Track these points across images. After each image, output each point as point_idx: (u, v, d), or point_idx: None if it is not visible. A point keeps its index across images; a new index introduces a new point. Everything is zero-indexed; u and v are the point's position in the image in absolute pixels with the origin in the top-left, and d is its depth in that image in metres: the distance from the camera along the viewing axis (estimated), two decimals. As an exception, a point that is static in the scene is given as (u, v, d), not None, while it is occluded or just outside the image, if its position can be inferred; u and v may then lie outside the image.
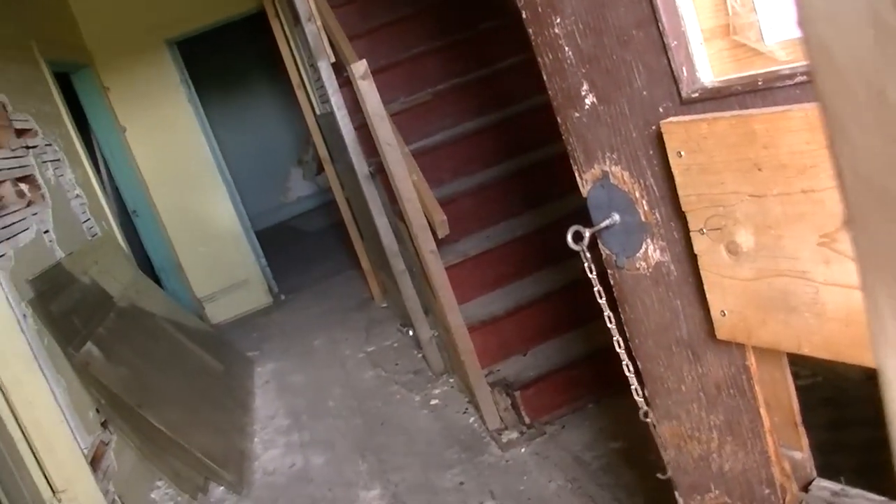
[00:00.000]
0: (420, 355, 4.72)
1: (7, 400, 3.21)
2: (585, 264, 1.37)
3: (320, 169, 9.64)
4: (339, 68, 4.06)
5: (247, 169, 11.36)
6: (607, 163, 1.30)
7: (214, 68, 10.88)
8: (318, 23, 3.99)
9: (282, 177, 12.23)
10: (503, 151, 4.30)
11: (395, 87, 4.58)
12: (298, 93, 6.06)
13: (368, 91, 3.38)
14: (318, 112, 5.78)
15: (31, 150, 4.29)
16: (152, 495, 4.11)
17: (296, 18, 4.53)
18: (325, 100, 4.49)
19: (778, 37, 1.03)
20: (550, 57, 1.31)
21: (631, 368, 1.54)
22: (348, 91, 3.98)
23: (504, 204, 4.17)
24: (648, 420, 1.57)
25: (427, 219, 3.47)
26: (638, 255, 1.34)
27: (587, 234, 1.31)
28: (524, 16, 1.32)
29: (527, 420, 3.56)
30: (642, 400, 1.56)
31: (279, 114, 11.75)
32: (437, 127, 4.50)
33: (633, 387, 1.55)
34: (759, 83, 1.02)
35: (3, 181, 3.80)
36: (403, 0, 4.95)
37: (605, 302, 1.43)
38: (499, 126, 4.34)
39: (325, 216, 10.37)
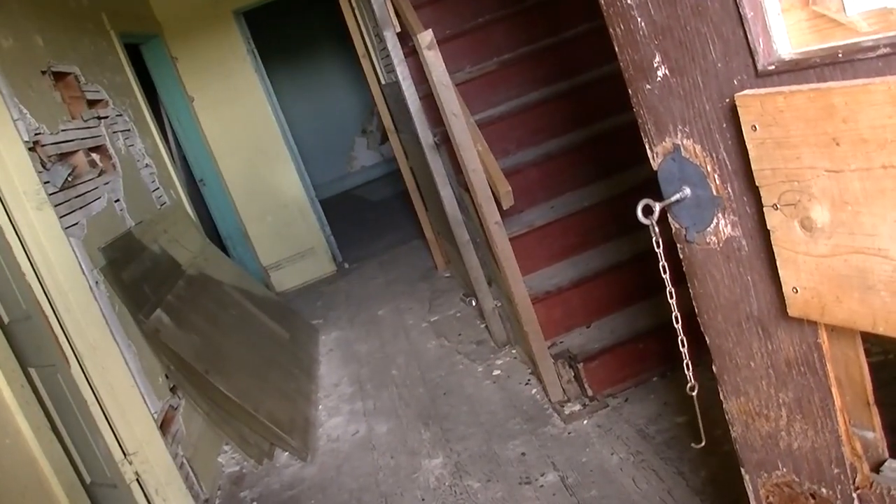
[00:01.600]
0: (483, 325, 4.73)
1: (81, 365, 3.30)
2: (654, 238, 1.36)
3: (384, 138, 9.68)
4: (405, 38, 4.05)
5: (312, 138, 11.44)
6: (679, 136, 1.28)
7: (280, 38, 10.95)
8: (385, -8, 3.98)
9: (346, 146, 12.29)
10: (569, 121, 4.26)
11: (461, 56, 4.56)
12: (363, 62, 6.06)
13: (434, 61, 3.37)
14: (383, 81, 5.78)
15: (102, 121, 4.37)
16: (219, 459, 4.20)
17: (361, -12, 4.53)
18: (390, 69, 4.48)
19: (860, 7, 1.00)
20: (622, 28, 1.29)
21: (685, 344, 1.52)
22: (413, 60, 3.97)
23: (570, 175, 4.14)
24: (694, 394, 1.56)
25: (492, 189, 3.46)
26: (709, 229, 1.32)
27: (657, 207, 1.30)
28: (596, -15, 1.30)
29: (590, 392, 3.55)
30: (690, 374, 1.55)
31: (344, 83, 11.79)
32: (503, 97, 4.47)
33: (685, 361, 1.54)
34: (840, 55, 0.99)
35: (77, 151, 3.88)
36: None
37: (668, 277, 1.42)
38: (565, 96, 4.30)
39: (390, 185, 10.41)
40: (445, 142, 4.01)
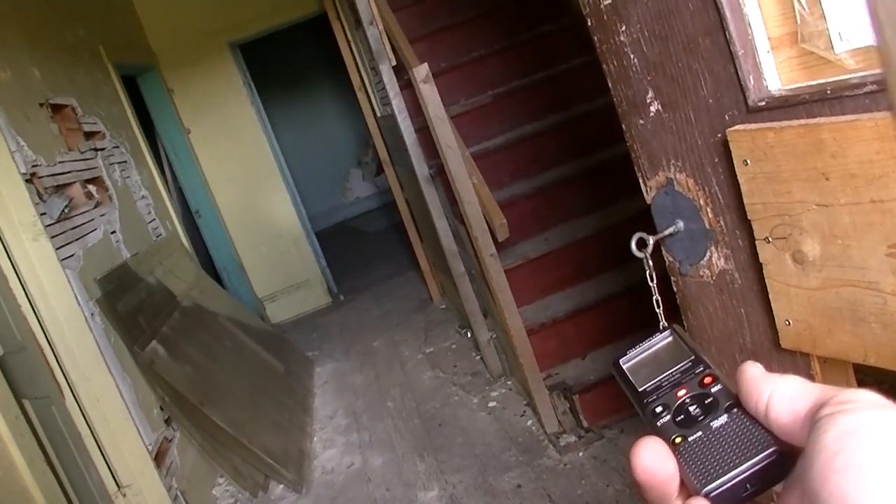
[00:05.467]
0: (478, 357, 4.73)
1: (76, 396, 3.29)
2: (647, 271, 1.37)
3: (380, 170, 9.70)
4: (400, 70, 4.09)
5: (307, 169, 11.48)
6: (672, 170, 1.30)
7: (276, 69, 11.01)
8: (380, 27, 4.02)
9: (342, 177, 12.33)
10: (563, 153, 4.30)
11: (456, 90, 4.60)
12: (359, 95, 6.11)
13: (430, 95, 3.41)
14: (378, 113, 5.82)
15: (99, 153, 4.40)
16: (214, 492, 4.18)
17: (357, 22, 4.57)
18: (385, 102, 4.52)
19: (847, 45, 1.02)
20: (615, 64, 1.31)
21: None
22: (409, 93, 4.00)
23: (564, 206, 4.16)
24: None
25: (487, 222, 3.48)
26: (702, 262, 1.34)
27: (651, 241, 1.31)
28: (589, 23, 1.32)
29: (585, 424, 3.55)
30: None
31: (340, 115, 11.85)
32: (497, 129, 4.51)
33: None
34: (828, 92, 1.01)
35: (73, 183, 3.90)
36: (463, 3, 4.96)
37: (660, 312, 1.43)
38: (559, 128, 4.34)
39: (385, 217, 10.44)
40: (441, 174, 4.03)
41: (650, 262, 1.36)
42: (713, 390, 0.55)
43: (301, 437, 4.39)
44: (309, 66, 11.43)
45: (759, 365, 0.50)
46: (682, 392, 0.57)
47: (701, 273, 1.35)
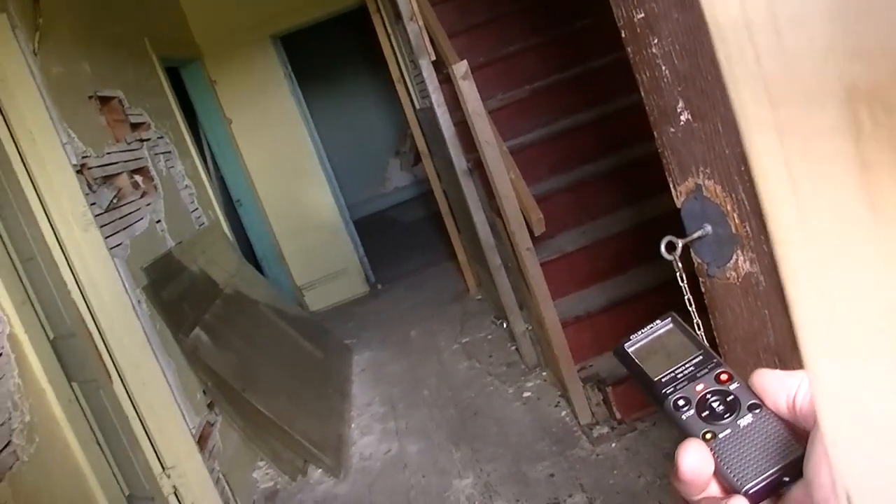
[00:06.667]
0: (513, 348, 4.79)
1: (123, 381, 3.40)
2: (677, 273, 1.43)
3: (417, 159, 9.77)
4: (439, 65, 4.15)
5: (346, 158, 11.56)
6: (701, 176, 1.35)
7: (316, 60, 11.10)
8: (420, 22, 4.08)
9: (380, 167, 12.41)
10: (600, 148, 4.33)
11: (494, 84, 4.65)
12: (398, 86, 6.17)
13: (469, 91, 3.46)
14: (417, 106, 5.88)
15: (144, 143, 4.50)
16: (254, 475, 4.28)
17: (397, 15, 4.63)
18: (424, 94, 4.58)
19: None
20: (648, 75, 1.37)
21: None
22: (448, 87, 4.06)
23: (600, 201, 4.20)
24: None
25: (524, 216, 3.53)
26: (728, 265, 1.39)
27: (680, 244, 1.37)
28: (623, 35, 1.38)
29: (618, 416, 3.60)
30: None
31: (378, 105, 11.92)
32: (535, 123, 4.55)
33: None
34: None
35: (120, 173, 4.01)
36: (501, -1, 5.01)
37: (694, 310, 1.49)
38: (595, 123, 4.37)
39: (422, 207, 10.49)
40: (478, 167, 4.09)
41: (679, 265, 1.42)
42: (731, 388, 0.57)
43: (339, 424, 4.48)
44: (348, 58, 11.50)
45: (767, 369, 0.55)
46: (700, 387, 0.59)
47: (727, 275, 1.41)
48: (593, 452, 3.47)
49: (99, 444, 3.38)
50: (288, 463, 4.12)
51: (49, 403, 3.09)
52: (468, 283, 6.31)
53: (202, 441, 3.81)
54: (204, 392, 4.04)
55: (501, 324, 5.21)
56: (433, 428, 4.22)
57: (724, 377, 0.59)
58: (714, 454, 0.54)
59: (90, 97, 3.98)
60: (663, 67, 1.32)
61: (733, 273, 1.39)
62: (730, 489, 0.52)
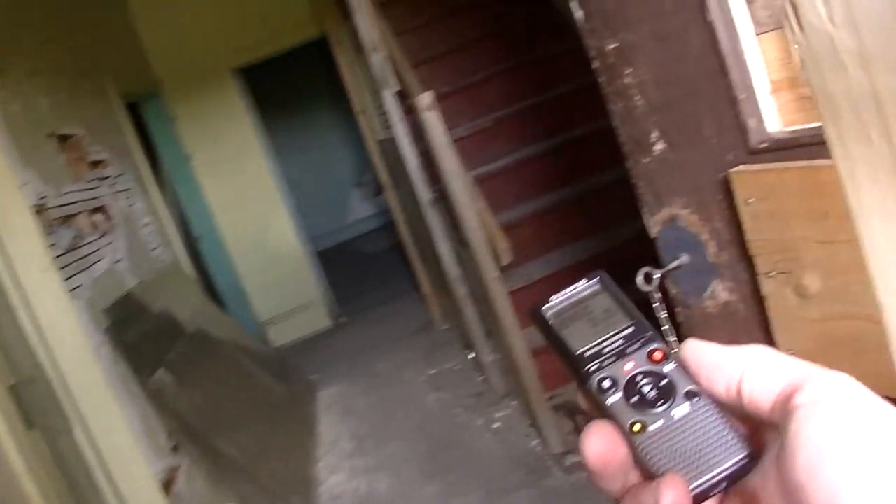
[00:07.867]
0: (482, 378, 4.76)
1: (84, 427, 3.32)
2: (655, 304, 1.41)
3: (379, 190, 9.75)
4: (402, 95, 4.13)
5: (308, 190, 11.51)
6: (676, 206, 1.34)
7: (277, 91, 11.06)
8: (383, 53, 4.07)
9: (343, 198, 12.37)
10: (565, 175, 4.33)
11: (457, 113, 4.63)
12: (360, 118, 6.16)
13: (433, 122, 3.45)
14: (380, 136, 5.87)
15: (104, 181, 4.43)
16: (222, 517, 4.20)
17: (357, 47, 4.62)
18: (386, 125, 4.57)
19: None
20: (621, 105, 1.36)
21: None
22: (410, 117, 4.04)
23: (566, 228, 4.20)
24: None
25: (491, 245, 3.51)
26: (706, 294, 1.38)
27: (657, 275, 1.35)
28: (595, 65, 1.37)
29: (590, 444, 3.57)
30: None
31: (340, 136, 11.89)
32: (500, 152, 4.54)
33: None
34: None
35: (79, 213, 3.94)
36: (464, 27, 5.02)
37: (675, 341, 1.47)
38: (561, 150, 4.37)
39: (385, 237, 10.44)
40: (443, 198, 4.07)
41: (656, 296, 1.40)
42: (665, 370, 0.50)
43: (307, 463, 4.41)
44: (311, 89, 11.48)
45: (701, 341, 0.49)
46: (629, 366, 0.51)
47: (705, 304, 1.39)
48: (566, 482, 3.44)
49: (60, 495, 3.28)
50: (256, 504, 4.05)
51: (6, 452, 3.00)
52: (433, 314, 6.28)
53: (168, 486, 3.72)
54: (169, 435, 3.96)
55: (469, 354, 5.18)
56: (403, 463, 4.16)
57: (657, 355, 0.51)
58: (641, 448, 0.47)
59: (49, 135, 3.91)
60: (637, 97, 1.31)
61: (711, 302, 1.38)
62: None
